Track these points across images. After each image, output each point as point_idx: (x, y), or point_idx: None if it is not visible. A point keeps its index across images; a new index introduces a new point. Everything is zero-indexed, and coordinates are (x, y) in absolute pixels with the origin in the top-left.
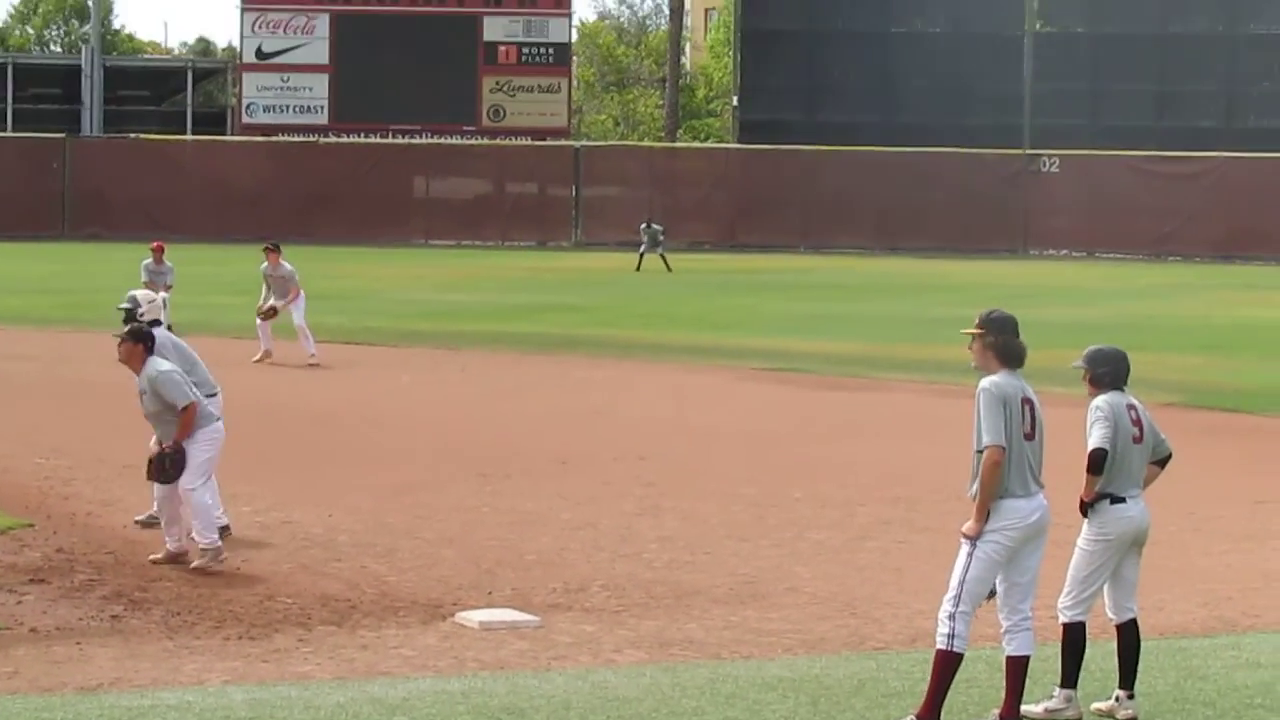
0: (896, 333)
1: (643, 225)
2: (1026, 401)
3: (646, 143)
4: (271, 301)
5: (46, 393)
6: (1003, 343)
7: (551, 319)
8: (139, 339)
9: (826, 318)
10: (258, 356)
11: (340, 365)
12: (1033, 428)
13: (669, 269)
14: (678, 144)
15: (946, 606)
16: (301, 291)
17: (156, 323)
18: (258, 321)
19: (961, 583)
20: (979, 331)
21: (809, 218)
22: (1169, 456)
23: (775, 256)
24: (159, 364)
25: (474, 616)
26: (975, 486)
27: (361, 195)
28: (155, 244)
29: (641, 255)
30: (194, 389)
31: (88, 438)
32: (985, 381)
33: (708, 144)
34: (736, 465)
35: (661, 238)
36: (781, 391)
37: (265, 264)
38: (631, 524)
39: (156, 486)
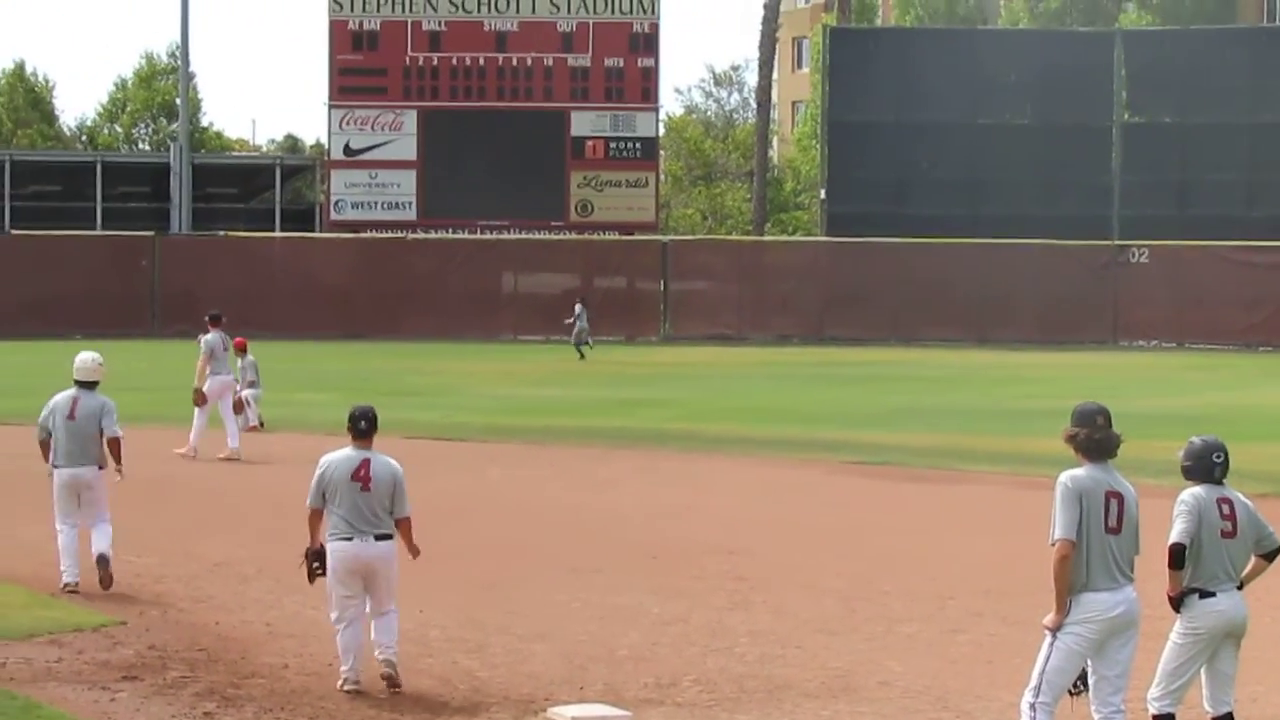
0: (986, 425)
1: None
2: (1114, 495)
3: (734, 236)
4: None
5: (134, 490)
6: (1084, 436)
7: (640, 413)
8: None
9: (915, 410)
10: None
11: (429, 461)
12: (1119, 521)
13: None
14: (765, 237)
15: (1027, 697)
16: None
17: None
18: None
19: (1041, 674)
20: (1067, 427)
21: (897, 310)
22: (1277, 549)
23: (863, 349)
24: None
25: (566, 712)
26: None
27: (449, 291)
28: (236, 340)
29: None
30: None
31: (177, 535)
32: (1064, 475)
33: (795, 237)
34: (826, 559)
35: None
36: (870, 484)
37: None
38: (722, 618)
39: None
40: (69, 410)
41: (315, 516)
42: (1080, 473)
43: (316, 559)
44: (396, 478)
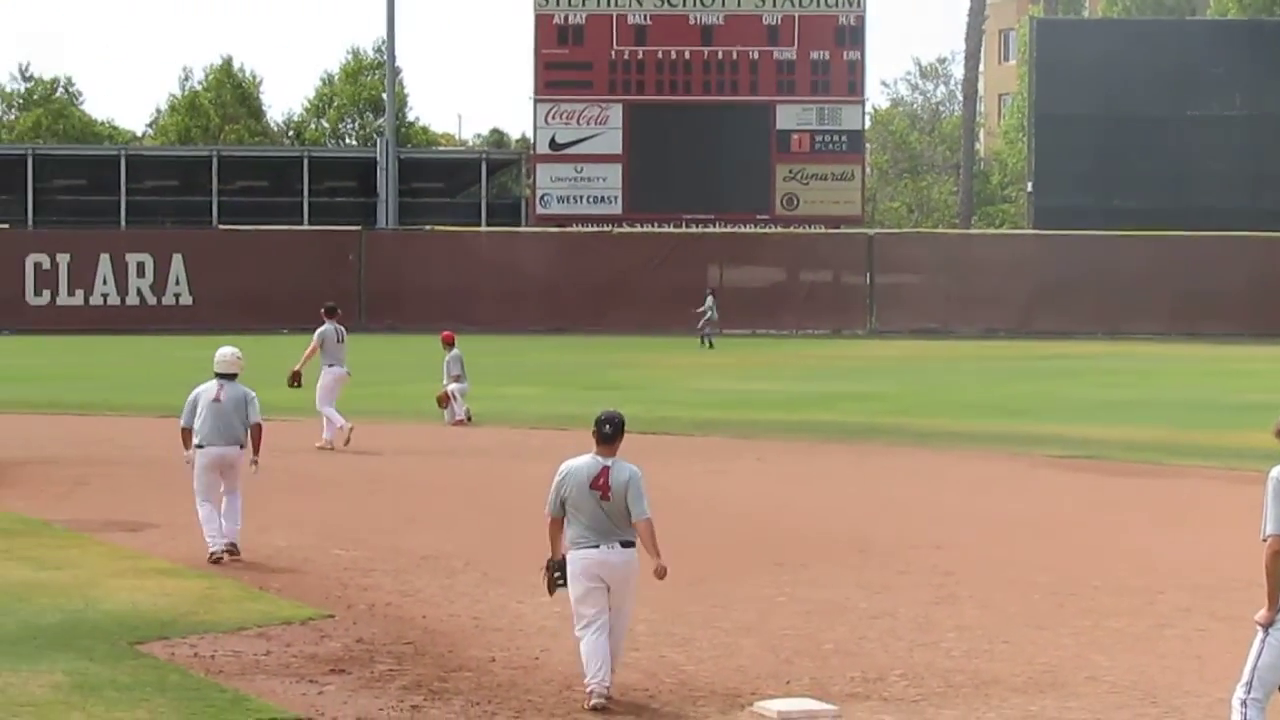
0: (1195, 418)
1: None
2: None
3: (940, 229)
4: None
5: (344, 484)
6: None
7: (847, 407)
8: None
9: (1123, 403)
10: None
11: (633, 456)
12: None
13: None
14: (972, 230)
15: (1239, 693)
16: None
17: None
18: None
19: (1253, 670)
20: (1278, 420)
21: (1105, 303)
22: None
23: (1070, 342)
24: None
25: (772, 706)
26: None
27: (655, 285)
28: (444, 333)
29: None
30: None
31: (386, 528)
32: (1275, 469)
33: (1002, 230)
34: (1033, 553)
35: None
36: (1079, 478)
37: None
38: (929, 613)
39: None
40: (215, 395)
41: (555, 525)
42: None
43: (558, 569)
44: (632, 481)
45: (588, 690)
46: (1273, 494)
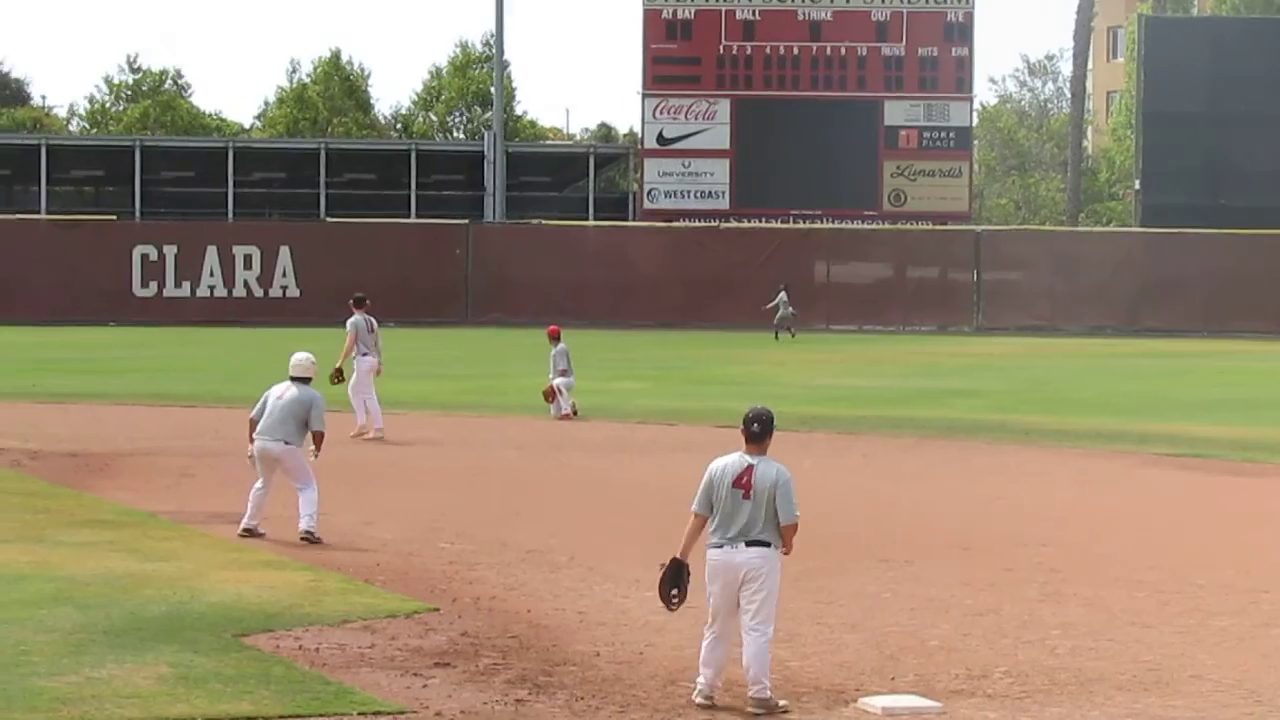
0: None
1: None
2: None
3: (1048, 226)
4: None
5: (450, 477)
6: None
7: (953, 404)
8: None
9: (1231, 402)
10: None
11: (738, 448)
12: None
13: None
14: (1079, 228)
15: None
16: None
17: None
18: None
19: None
20: None
21: (1212, 301)
22: None
23: (1177, 340)
24: None
25: (877, 702)
26: None
27: (761, 280)
28: (550, 328)
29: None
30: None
31: (491, 522)
32: None
33: (1110, 227)
34: (1139, 551)
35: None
36: (1185, 477)
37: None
38: (1034, 610)
39: None
40: (281, 394)
41: (695, 523)
42: None
43: (675, 579)
44: (779, 483)
45: (695, 689)
46: None
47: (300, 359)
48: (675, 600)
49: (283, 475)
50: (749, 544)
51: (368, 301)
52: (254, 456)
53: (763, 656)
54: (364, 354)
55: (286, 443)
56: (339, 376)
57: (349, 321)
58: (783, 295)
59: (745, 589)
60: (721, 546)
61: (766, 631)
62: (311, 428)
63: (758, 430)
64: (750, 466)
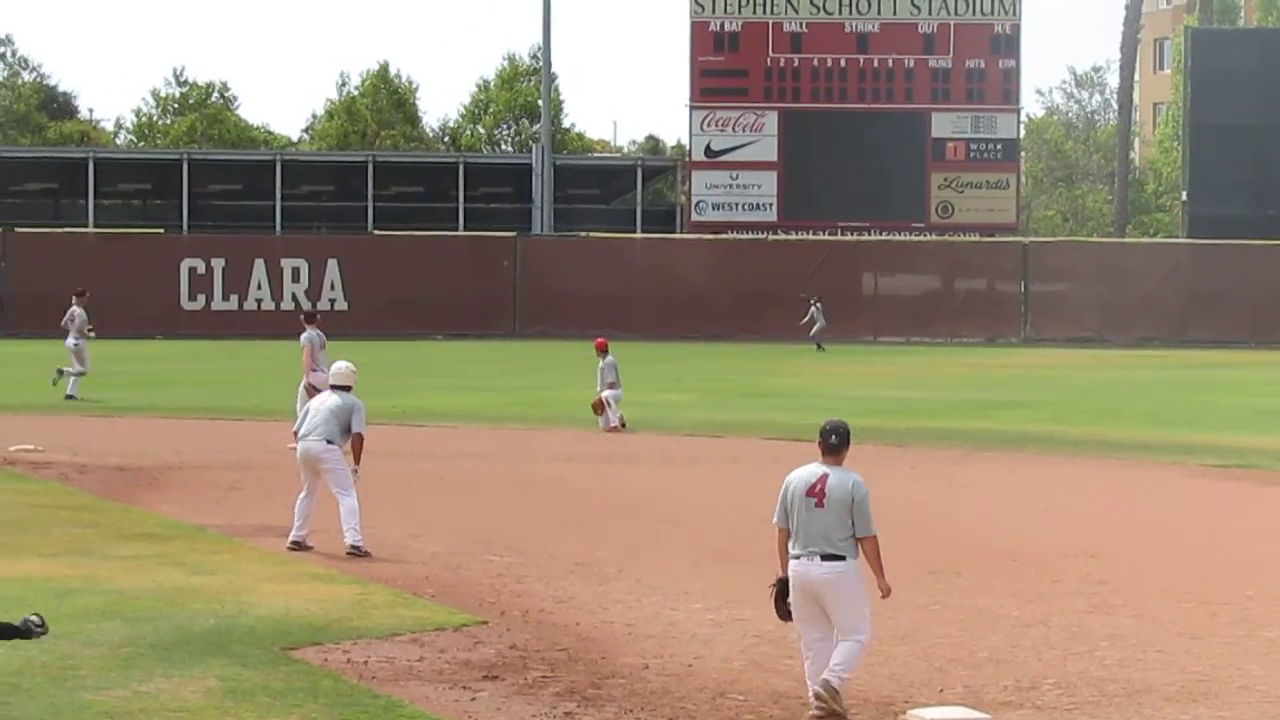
0: None
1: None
2: None
3: (1095, 238)
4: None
5: (499, 490)
6: None
7: (1001, 415)
8: None
9: (1277, 413)
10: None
11: (786, 462)
12: None
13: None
14: (1127, 239)
15: None
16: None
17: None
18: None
19: None
20: None
21: (1260, 312)
22: None
23: (1225, 351)
24: None
25: (926, 715)
26: None
27: (810, 292)
28: (598, 340)
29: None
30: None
31: (539, 534)
32: None
33: (1157, 239)
34: (1187, 562)
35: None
36: (1232, 488)
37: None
38: (1082, 621)
39: None
40: (324, 401)
41: (780, 536)
42: None
43: (785, 593)
44: (855, 494)
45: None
46: None
47: (341, 367)
48: (788, 609)
49: (325, 485)
50: (824, 557)
51: (318, 316)
52: (296, 458)
53: (851, 654)
54: (315, 369)
55: (329, 441)
56: (312, 392)
57: (303, 337)
58: (816, 307)
59: (829, 606)
60: (799, 558)
61: (860, 639)
62: (353, 429)
63: (835, 442)
64: (824, 475)
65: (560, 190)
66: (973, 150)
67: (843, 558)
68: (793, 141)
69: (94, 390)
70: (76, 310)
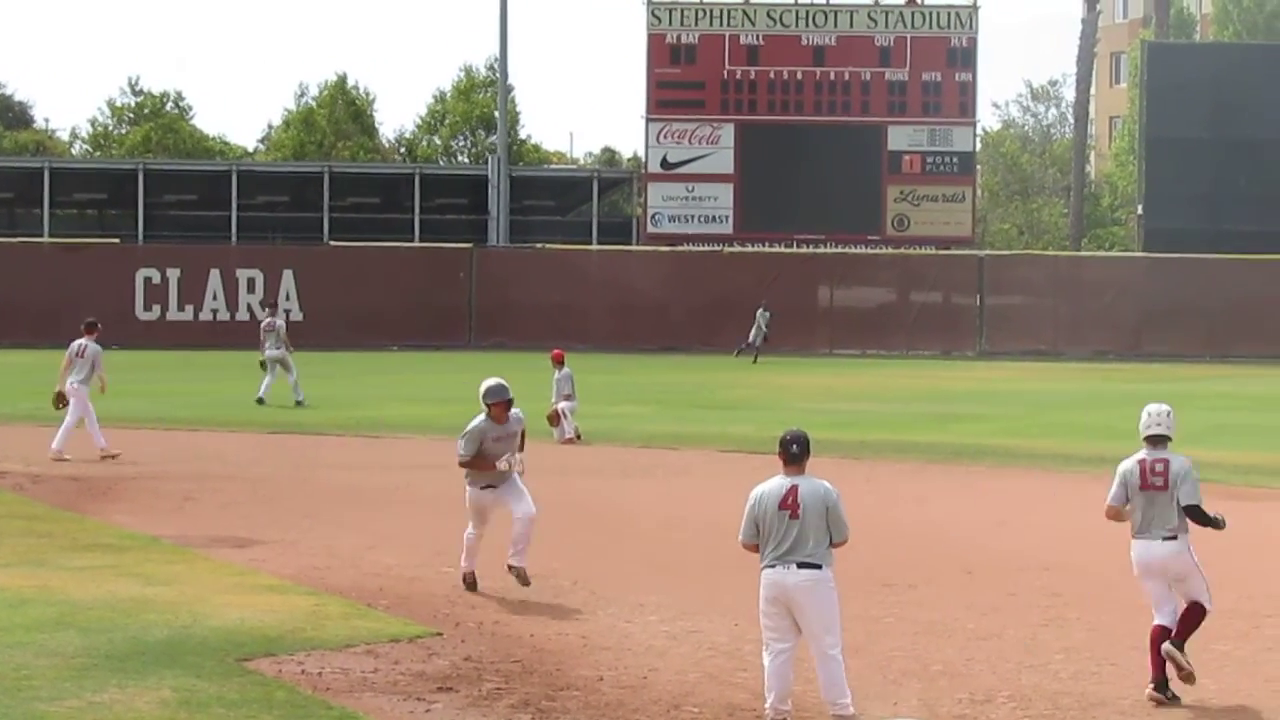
0: None
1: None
2: None
3: (1051, 251)
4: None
5: (454, 502)
6: None
7: (956, 428)
8: None
9: (1232, 428)
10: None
11: (744, 475)
12: None
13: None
14: (1082, 252)
15: None
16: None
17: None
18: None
19: None
20: None
21: (1215, 326)
22: None
23: (1180, 365)
24: None
25: None
26: None
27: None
28: (554, 352)
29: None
30: None
31: (494, 547)
32: None
33: (1113, 253)
34: None
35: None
36: None
37: None
38: (1037, 634)
39: None
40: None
41: (750, 551)
42: None
43: None
44: (828, 501)
45: (768, 715)
46: None
47: (492, 384)
48: None
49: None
50: (800, 565)
51: (98, 327)
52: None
53: (838, 675)
54: (82, 379)
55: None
56: (62, 401)
57: (90, 348)
58: (763, 315)
59: (801, 614)
60: (774, 566)
61: (835, 653)
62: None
63: (797, 451)
64: (794, 487)
65: (516, 202)
66: (929, 163)
67: (819, 566)
68: (749, 154)
69: (47, 400)
70: (278, 322)
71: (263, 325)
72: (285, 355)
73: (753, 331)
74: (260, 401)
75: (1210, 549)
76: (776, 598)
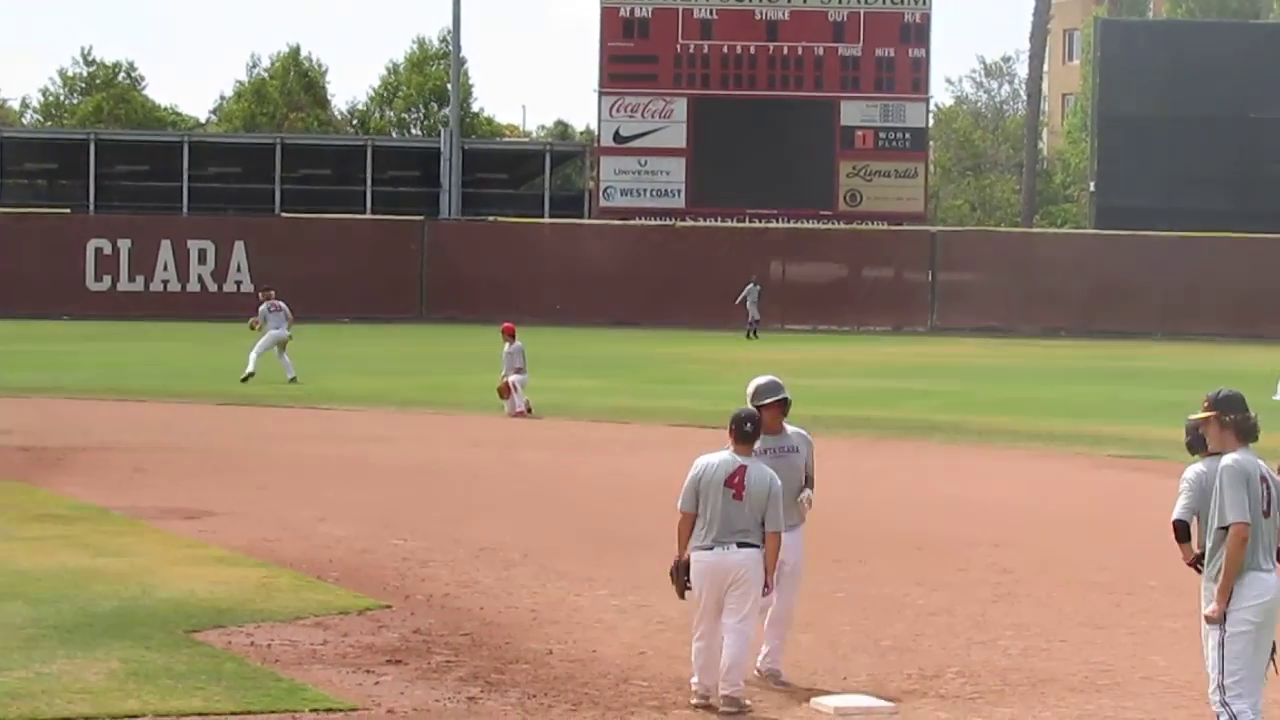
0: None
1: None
2: (1264, 479)
3: (1003, 228)
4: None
5: (404, 474)
6: (1239, 420)
7: (908, 404)
8: None
9: (1184, 405)
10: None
11: (695, 448)
12: (1269, 505)
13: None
14: (1034, 229)
15: (1215, 697)
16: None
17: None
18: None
19: (1222, 671)
20: (1214, 413)
21: (1166, 303)
22: None
23: (1132, 343)
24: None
25: (829, 702)
26: (1217, 566)
27: (717, 279)
28: (505, 325)
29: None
30: None
31: (444, 519)
32: (1227, 459)
33: (1064, 229)
34: (1092, 552)
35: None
36: (1138, 478)
37: None
38: (987, 610)
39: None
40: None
41: (685, 521)
42: (1240, 456)
43: (686, 571)
44: (772, 489)
45: (692, 691)
46: (1229, 481)
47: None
48: (688, 584)
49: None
50: (740, 545)
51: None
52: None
53: (743, 657)
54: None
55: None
56: None
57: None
58: (752, 289)
59: (732, 590)
60: (711, 548)
61: (748, 632)
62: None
63: (750, 430)
64: (743, 467)
65: (469, 174)
66: (881, 139)
67: (757, 546)
68: (702, 128)
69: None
70: (283, 304)
71: (266, 306)
72: (288, 336)
73: (751, 308)
74: (293, 380)
75: (1161, 525)
76: (715, 579)
